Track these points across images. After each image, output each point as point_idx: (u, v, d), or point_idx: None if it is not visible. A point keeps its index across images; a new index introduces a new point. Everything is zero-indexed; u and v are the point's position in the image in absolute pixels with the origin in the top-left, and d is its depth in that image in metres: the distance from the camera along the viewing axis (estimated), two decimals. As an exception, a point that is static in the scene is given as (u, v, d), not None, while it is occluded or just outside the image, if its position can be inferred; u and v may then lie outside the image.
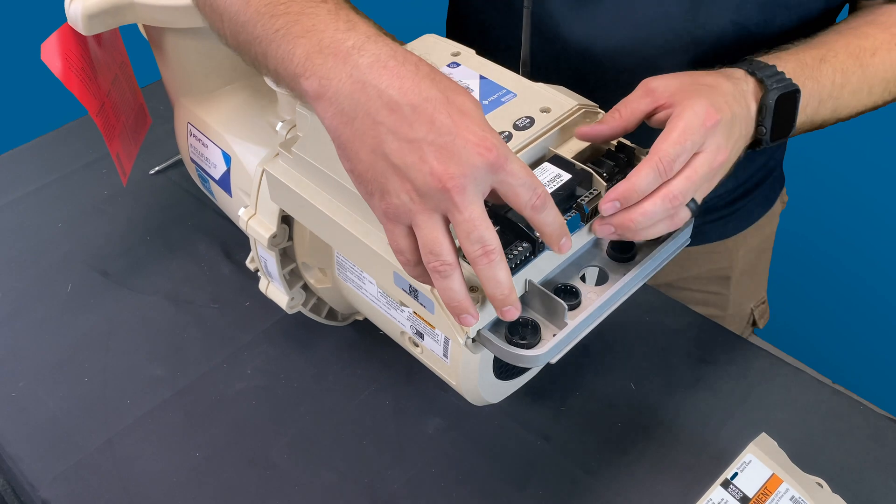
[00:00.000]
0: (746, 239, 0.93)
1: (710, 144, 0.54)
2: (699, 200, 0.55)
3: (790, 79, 0.61)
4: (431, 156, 0.45)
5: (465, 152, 0.45)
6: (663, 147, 0.52)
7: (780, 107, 0.60)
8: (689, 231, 0.60)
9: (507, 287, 0.48)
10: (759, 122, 0.59)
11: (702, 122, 0.53)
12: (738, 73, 0.60)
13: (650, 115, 0.57)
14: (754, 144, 0.61)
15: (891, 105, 0.72)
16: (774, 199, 0.95)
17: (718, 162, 0.54)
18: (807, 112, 0.64)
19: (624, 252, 0.60)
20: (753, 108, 0.59)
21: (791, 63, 0.63)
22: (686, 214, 0.55)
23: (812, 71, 0.64)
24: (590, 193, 0.54)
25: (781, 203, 0.98)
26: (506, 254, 0.52)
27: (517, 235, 0.53)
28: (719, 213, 0.86)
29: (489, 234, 0.46)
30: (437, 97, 0.46)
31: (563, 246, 0.49)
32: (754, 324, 1.03)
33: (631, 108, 0.57)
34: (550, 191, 0.54)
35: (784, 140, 0.62)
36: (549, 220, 0.48)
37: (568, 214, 0.54)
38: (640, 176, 0.52)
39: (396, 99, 0.46)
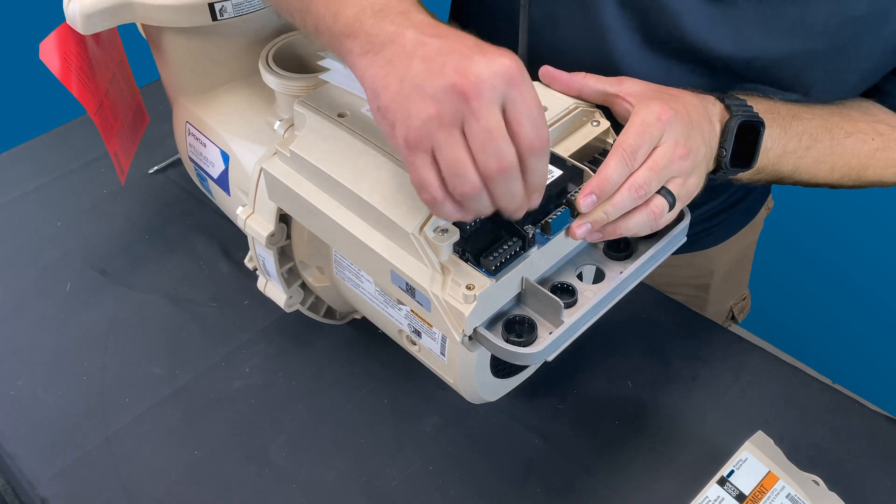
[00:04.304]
0: (727, 248, 0.95)
1: (667, 138, 0.55)
2: (677, 195, 0.56)
3: (757, 113, 0.62)
4: (451, 66, 0.45)
5: (486, 61, 0.45)
6: (624, 139, 0.54)
7: (743, 135, 0.61)
8: (684, 229, 0.60)
9: (521, 198, 0.48)
10: (721, 144, 0.61)
11: (657, 117, 0.55)
12: (709, 97, 0.63)
13: (609, 98, 0.60)
14: (716, 170, 0.63)
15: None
16: (757, 211, 0.97)
17: (678, 155, 0.55)
18: (769, 156, 0.65)
19: (620, 250, 0.60)
20: (717, 128, 0.61)
21: (763, 106, 0.65)
22: (662, 204, 0.55)
23: (782, 120, 0.66)
24: (580, 189, 0.54)
25: (766, 210, 0.99)
26: (496, 248, 0.52)
27: (507, 231, 0.53)
28: (701, 227, 0.88)
29: (506, 146, 0.46)
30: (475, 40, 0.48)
31: (534, 201, 0.50)
32: (733, 318, 1.05)
33: (599, 80, 0.60)
34: None
35: (743, 171, 0.64)
36: (538, 168, 0.48)
37: (557, 210, 0.54)
38: (609, 167, 0.53)
39: (435, 41, 0.47)
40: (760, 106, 0.64)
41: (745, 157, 0.63)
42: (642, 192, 0.54)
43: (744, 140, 0.62)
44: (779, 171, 0.68)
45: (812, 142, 0.67)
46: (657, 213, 0.55)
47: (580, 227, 0.54)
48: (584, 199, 0.53)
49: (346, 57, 0.50)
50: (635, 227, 0.55)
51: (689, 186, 0.58)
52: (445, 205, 0.48)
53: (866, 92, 0.72)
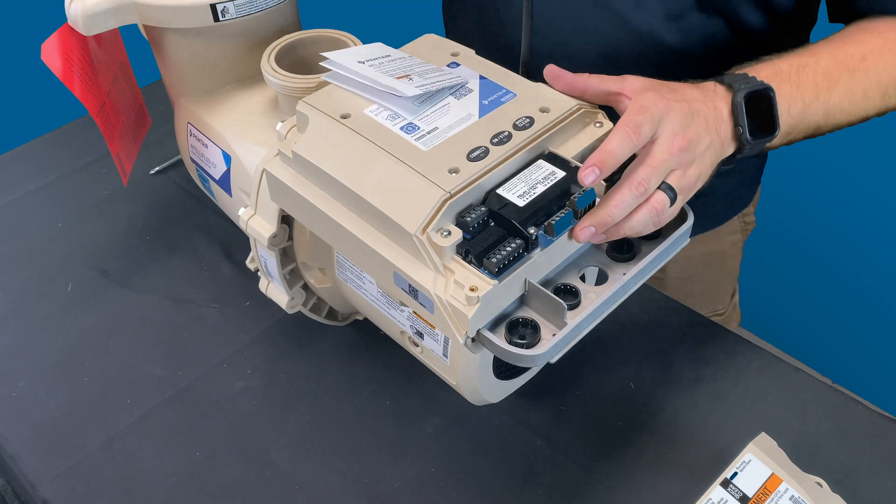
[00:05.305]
0: (681, 251, 0.93)
1: (664, 130, 0.56)
2: (677, 187, 0.56)
3: (761, 81, 0.62)
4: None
5: None
6: (626, 118, 0.55)
7: (756, 106, 0.61)
8: (688, 230, 0.60)
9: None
10: (735, 123, 0.61)
11: (653, 104, 0.56)
12: (708, 83, 0.63)
13: (612, 97, 0.60)
14: (739, 150, 0.62)
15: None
16: (720, 221, 0.95)
17: (677, 146, 0.56)
18: (792, 114, 0.65)
19: (623, 252, 0.60)
20: (724, 110, 0.61)
21: (765, 71, 0.64)
22: (663, 199, 0.55)
23: (789, 76, 0.65)
24: (583, 190, 0.54)
25: (742, 223, 0.98)
26: (499, 250, 0.52)
27: (510, 233, 0.53)
28: None
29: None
30: None
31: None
32: None
33: (602, 80, 0.60)
34: (544, 188, 0.55)
35: (770, 140, 0.63)
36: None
37: (561, 212, 0.54)
38: (612, 141, 0.54)
39: None
40: (763, 73, 0.64)
41: (765, 124, 0.62)
42: (642, 188, 0.54)
43: (760, 110, 0.61)
44: (811, 124, 0.67)
45: (830, 82, 0.66)
46: (659, 209, 0.55)
47: (584, 230, 0.54)
48: (585, 171, 0.53)
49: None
50: (638, 225, 0.55)
51: (689, 177, 0.57)
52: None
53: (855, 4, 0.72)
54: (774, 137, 0.63)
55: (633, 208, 0.55)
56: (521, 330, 0.54)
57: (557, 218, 0.53)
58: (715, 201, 0.92)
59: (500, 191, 0.55)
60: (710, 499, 0.60)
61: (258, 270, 0.73)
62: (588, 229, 0.54)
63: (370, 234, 0.56)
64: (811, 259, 1.69)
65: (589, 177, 0.53)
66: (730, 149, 0.62)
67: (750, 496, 0.60)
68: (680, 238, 0.60)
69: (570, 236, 0.55)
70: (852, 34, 0.70)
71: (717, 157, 0.61)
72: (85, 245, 0.90)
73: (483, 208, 0.54)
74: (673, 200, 0.56)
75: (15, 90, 1.62)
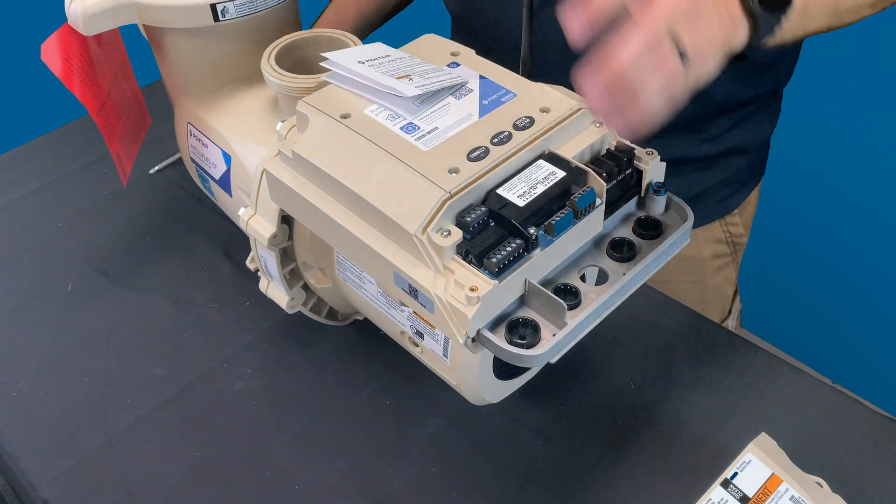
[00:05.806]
0: None
1: None
2: (687, 46, 0.51)
3: None
4: None
5: None
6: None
7: None
8: (688, 230, 0.60)
9: None
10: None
11: None
12: None
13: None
14: (754, 28, 0.56)
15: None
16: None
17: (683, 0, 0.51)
18: None
19: (623, 252, 0.60)
20: None
21: None
22: (675, 61, 0.51)
23: None
24: (583, 191, 0.54)
25: (727, 233, 0.93)
26: (499, 250, 0.52)
27: (510, 233, 0.53)
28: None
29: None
30: None
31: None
32: None
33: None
34: (544, 188, 0.55)
35: (783, 12, 0.58)
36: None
37: (561, 212, 0.54)
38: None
39: None
40: None
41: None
42: (650, 31, 0.50)
43: None
44: (829, 1, 0.63)
45: None
46: (672, 71, 0.51)
47: (588, 83, 0.51)
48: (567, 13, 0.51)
49: None
50: (653, 98, 0.51)
51: (698, 40, 0.52)
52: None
53: None
54: (789, 8, 0.58)
55: (646, 70, 0.50)
56: (521, 330, 0.54)
57: (557, 218, 0.53)
58: (689, 197, 0.88)
59: (500, 191, 0.55)
60: (710, 499, 0.60)
61: (258, 270, 0.73)
62: (594, 85, 0.51)
63: (370, 234, 0.56)
64: (811, 259, 1.69)
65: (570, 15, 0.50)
66: (742, 30, 0.55)
67: (750, 496, 0.60)
68: (680, 238, 0.60)
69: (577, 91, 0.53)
70: None
71: (726, 37, 0.54)
72: (85, 245, 0.90)
73: (483, 208, 0.54)
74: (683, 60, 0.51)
75: (15, 90, 1.62)
